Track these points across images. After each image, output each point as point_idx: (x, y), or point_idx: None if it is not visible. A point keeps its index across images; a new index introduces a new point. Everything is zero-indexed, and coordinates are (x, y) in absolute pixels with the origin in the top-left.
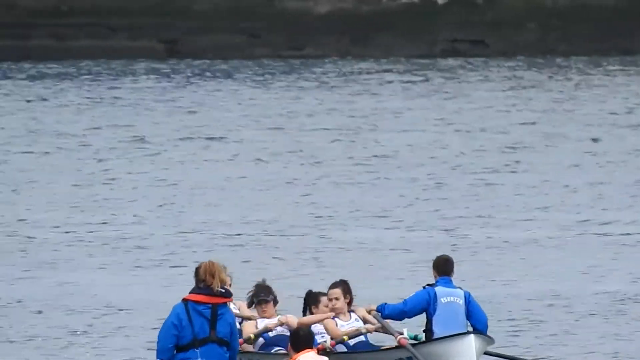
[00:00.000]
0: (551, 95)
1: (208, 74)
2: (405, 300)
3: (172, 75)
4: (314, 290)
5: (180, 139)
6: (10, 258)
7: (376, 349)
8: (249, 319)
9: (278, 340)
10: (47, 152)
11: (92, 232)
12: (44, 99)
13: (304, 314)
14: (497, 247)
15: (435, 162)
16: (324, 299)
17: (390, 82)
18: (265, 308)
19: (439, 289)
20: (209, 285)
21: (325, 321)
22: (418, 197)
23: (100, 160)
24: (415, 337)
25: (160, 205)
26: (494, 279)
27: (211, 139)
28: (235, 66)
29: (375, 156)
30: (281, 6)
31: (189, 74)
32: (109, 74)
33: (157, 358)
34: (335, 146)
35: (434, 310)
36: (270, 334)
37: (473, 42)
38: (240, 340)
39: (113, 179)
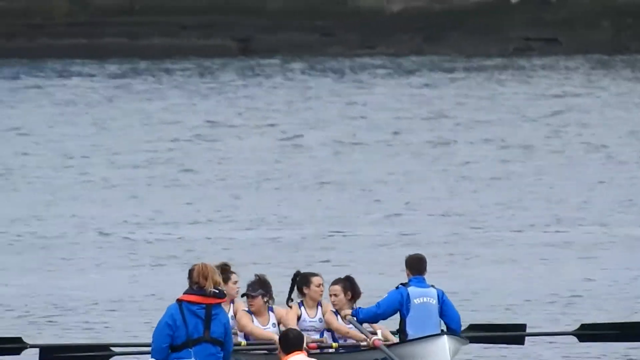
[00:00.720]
0: (624, 93)
1: (281, 72)
2: (378, 303)
3: (245, 73)
4: (302, 272)
5: (257, 136)
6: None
7: (351, 350)
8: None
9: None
10: (116, 152)
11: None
12: (116, 97)
13: (289, 295)
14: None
15: (491, 161)
16: (314, 279)
17: (463, 79)
18: (252, 302)
19: (411, 289)
20: (202, 287)
21: (327, 317)
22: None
23: (179, 159)
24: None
25: (236, 200)
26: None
27: (292, 136)
28: (309, 64)
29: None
30: (354, 4)
31: (262, 72)
32: (182, 72)
33: (151, 358)
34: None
35: (407, 311)
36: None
37: (546, 40)
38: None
39: (180, 177)
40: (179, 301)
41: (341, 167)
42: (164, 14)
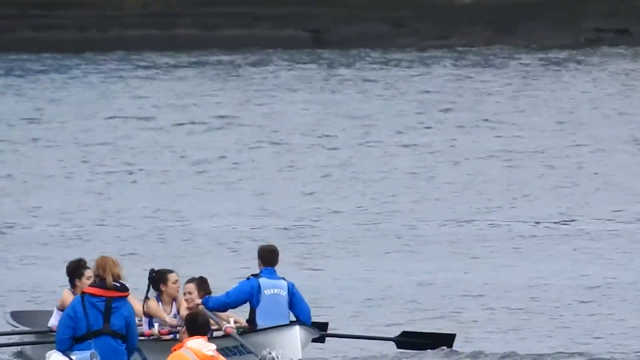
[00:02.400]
0: None
1: (354, 62)
2: (228, 292)
3: (318, 65)
4: (156, 269)
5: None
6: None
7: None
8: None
9: None
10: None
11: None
12: (189, 89)
13: (147, 293)
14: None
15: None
16: (171, 276)
17: (537, 71)
18: None
19: (262, 281)
20: (103, 279)
21: (183, 312)
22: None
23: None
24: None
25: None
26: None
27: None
28: (381, 55)
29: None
30: None
31: (335, 64)
32: (253, 63)
33: (56, 349)
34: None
35: (258, 302)
36: None
37: (617, 32)
38: None
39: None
40: (83, 293)
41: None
42: (237, 5)
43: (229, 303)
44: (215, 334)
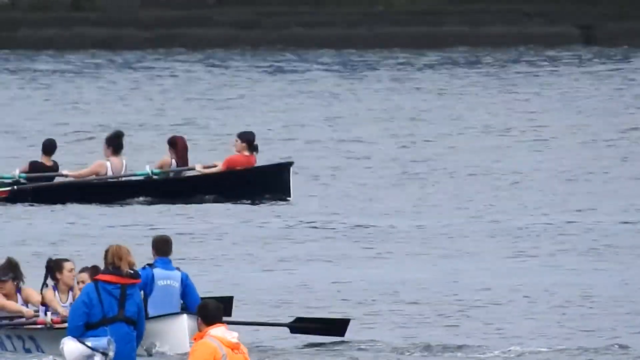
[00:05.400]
0: None
1: (624, 61)
2: None
3: (590, 63)
4: (54, 258)
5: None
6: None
7: None
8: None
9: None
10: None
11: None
12: (457, 86)
13: (45, 281)
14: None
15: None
16: (66, 265)
17: None
18: (1, 286)
19: (157, 271)
20: (117, 267)
21: (48, 296)
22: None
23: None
24: None
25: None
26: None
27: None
28: None
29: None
30: None
31: (605, 63)
32: (521, 61)
33: (68, 335)
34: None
35: (150, 291)
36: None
37: None
38: None
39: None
40: (95, 280)
41: None
42: (506, 2)
43: None
44: None
